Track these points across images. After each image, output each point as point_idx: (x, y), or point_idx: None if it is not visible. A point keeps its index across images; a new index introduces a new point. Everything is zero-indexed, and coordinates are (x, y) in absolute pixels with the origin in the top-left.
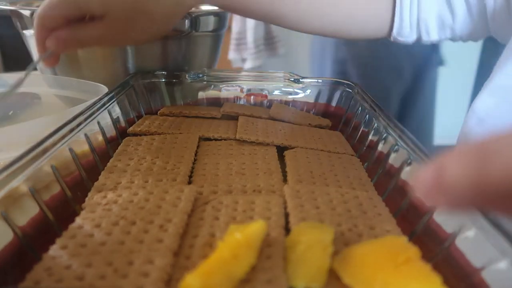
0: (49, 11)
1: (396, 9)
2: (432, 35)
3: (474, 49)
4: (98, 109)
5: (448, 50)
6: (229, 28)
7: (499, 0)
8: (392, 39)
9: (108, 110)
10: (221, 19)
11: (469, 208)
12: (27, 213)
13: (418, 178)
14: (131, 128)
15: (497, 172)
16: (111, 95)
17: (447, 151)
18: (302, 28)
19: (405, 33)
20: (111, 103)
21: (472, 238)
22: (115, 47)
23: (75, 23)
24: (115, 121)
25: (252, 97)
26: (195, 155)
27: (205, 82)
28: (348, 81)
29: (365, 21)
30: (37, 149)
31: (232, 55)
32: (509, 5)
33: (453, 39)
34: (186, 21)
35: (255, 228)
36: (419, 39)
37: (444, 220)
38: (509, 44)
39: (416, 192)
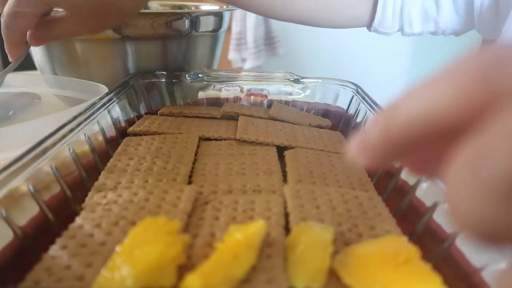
0: (17, 11)
1: None
2: (415, 27)
3: (473, 50)
4: (98, 109)
5: (448, 50)
6: (229, 28)
7: None
8: (372, 29)
9: (108, 110)
10: (221, 19)
11: (389, 162)
12: (27, 213)
13: (351, 142)
14: (131, 128)
15: (398, 123)
16: (111, 95)
17: None
18: (274, 15)
19: (387, 24)
20: (111, 103)
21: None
22: (90, 34)
23: (45, 21)
24: (115, 121)
25: (252, 97)
26: (195, 155)
27: (205, 82)
28: (348, 81)
29: (340, 9)
30: (37, 149)
31: (232, 55)
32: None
33: (435, 33)
34: (186, 21)
35: (255, 228)
36: (400, 31)
37: (444, 220)
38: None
39: (347, 155)
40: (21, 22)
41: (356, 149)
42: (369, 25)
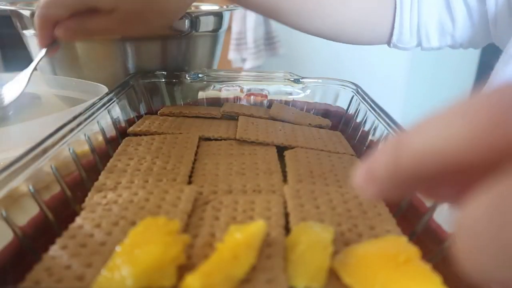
0: (54, 4)
1: (396, 15)
2: (432, 41)
3: (474, 50)
4: (98, 109)
5: (448, 50)
6: (229, 28)
7: (500, 5)
8: (391, 45)
9: (108, 110)
10: (221, 19)
11: (398, 195)
12: (27, 213)
13: (356, 170)
14: (131, 128)
15: (406, 158)
16: (111, 95)
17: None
18: (304, 27)
19: (405, 40)
20: (111, 103)
21: None
22: (123, 35)
23: (82, 14)
24: (115, 121)
25: (252, 97)
26: (195, 155)
27: (205, 82)
28: (348, 81)
29: (368, 26)
30: (37, 149)
31: (232, 55)
32: (510, 9)
33: (453, 46)
34: (186, 21)
35: (255, 228)
36: (419, 46)
37: (444, 220)
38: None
39: (354, 183)
40: (52, 12)
41: (362, 178)
42: (388, 41)
